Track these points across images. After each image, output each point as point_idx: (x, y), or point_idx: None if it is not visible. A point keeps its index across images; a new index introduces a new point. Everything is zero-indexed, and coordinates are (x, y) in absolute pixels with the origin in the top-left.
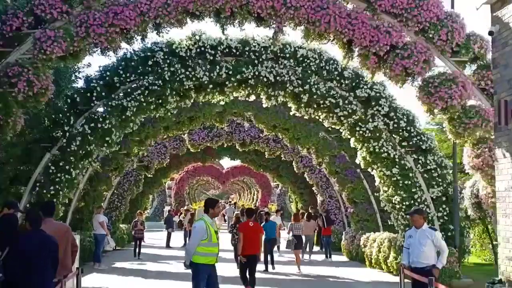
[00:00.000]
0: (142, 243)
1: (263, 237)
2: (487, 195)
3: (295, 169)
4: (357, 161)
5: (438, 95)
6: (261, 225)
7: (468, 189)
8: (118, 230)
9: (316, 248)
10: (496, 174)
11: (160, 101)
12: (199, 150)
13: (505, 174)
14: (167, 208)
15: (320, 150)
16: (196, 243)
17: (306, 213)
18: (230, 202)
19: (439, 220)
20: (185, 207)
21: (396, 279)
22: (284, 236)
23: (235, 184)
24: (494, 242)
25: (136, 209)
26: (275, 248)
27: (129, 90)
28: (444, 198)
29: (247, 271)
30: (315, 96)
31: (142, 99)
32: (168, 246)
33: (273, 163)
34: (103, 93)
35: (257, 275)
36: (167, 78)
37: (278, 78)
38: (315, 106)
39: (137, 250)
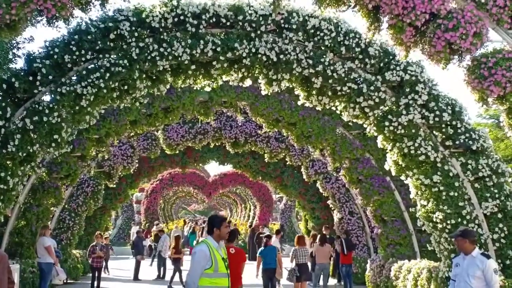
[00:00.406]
0: (102, 275)
1: (261, 266)
2: None
3: (304, 177)
4: (386, 166)
5: (493, 78)
6: (259, 251)
7: None
8: (70, 257)
9: (332, 281)
10: None
11: (126, 87)
12: (177, 152)
13: None
14: (135, 229)
15: (337, 151)
16: (198, 275)
17: (319, 235)
18: None
19: (495, 244)
20: (155, 227)
21: None
22: (287, 265)
23: (225, 197)
24: None
25: (94, 229)
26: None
27: (84, 72)
28: (500, 215)
29: None
30: (330, 81)
31: (102, 85)
32: (136, 278)
33: (275, 169)
34: (50, 77)
35: None
36: (135, 57)
37: (281, 56)
38: (330, 93)
39: (95, 284)
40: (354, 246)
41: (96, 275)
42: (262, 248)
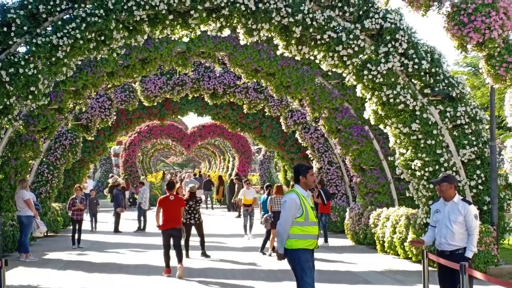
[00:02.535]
0: (83, 227)
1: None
2: None
3: (283, 127)
4: (365, 115)
5: (472, 25)
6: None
7: (509, 149)
8: (50, 210)
9: None
10: None
11: (103, 37)
12: (155, 103)
13: None
14: (118, 180)
15: (316, 101)
16: (289, 223)
17: None
18: (194, 173)
19: (472, 191)
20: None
21: (417, 266)
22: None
23: (203, 149)
24: None
25: (73, 182)
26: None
27: (60, 23)
28: (478, 162)
29: (175, 247)
30: (310, 29)
31: (78, 35)
32: (117, 230)
33: (254, 120)
34: (25, 27)
35: (240, 266)
36: (111, 7)
37: (260, 5)
38: (310, 42)
39: (76, 236)
40: (331, 195)
41: (77, 227)
42: (265, 196)
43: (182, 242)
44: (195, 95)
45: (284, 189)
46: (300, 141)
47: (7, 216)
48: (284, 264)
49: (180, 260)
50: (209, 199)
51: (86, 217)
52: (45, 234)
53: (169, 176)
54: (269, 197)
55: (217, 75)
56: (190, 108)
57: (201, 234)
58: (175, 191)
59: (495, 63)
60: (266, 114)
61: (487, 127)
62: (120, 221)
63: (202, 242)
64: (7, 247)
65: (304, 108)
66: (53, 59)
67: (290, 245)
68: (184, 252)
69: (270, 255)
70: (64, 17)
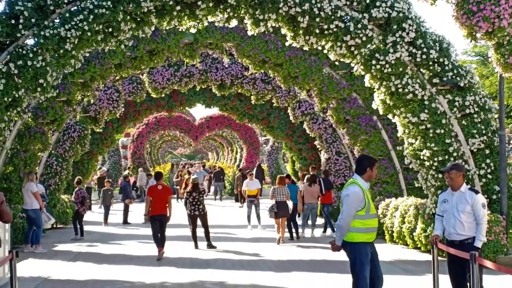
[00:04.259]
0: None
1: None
2: None
3: (291, 118)
4: (373, 105)
5: (482, 14)
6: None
7: None
8: (59, 202)
9: (320, 220)
10: None
11: (110, 29)
12: (163, 95)
13: None
14: (125, 173)
15: (324, 92)
16: (352, 217)
17: (308, 175)
18: (204, 164)
19: (481, 180)
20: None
21: (426, 256)
22: (268, 202)
23: (211, 140)
24: None
25: (82, 175)
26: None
27: (67, 15)
28: (487, 151)
29: (159, 232)
30: (317, 19)
31: (86, 27)
32: (126, 222)
33: (262, 111)
34: (33, 20)
35: (247, 257)
36: None
37: None
38: (317, 32)
39: (78, 226)
40: (331, 185)
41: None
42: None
43: (188, 233)
44: (203, 87)
45: (287, 181)
46: (308, 131)
47: (16, 208)
48: (293, 255)
49: (163, 245)
50: (218, 190)
51: (96, 209)
52: (54, 225)
53: (178, 168)
54: (273, 188)
55: (225, 66)
56: (197, 99)
57: (205, 225)
58: (163, 181)
59: (504, 52)
60: (274, 105)
61: (496, 116)
62: (129, 212)
63: (207, 233)
64: (17, 239)
65: (312, 98)
66: (61, 51)
67: (351, 238)
68: (192, 243)
69: (278, 244)
70: (72, 9)
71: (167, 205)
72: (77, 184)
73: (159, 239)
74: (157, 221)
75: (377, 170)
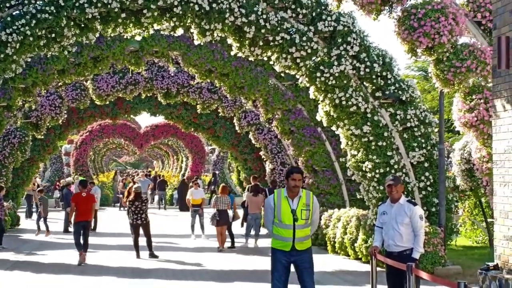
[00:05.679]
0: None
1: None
2: (481, 159)
3: (236, 128)
4: (317, 117)
5: (422, 30)
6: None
7: (457, 152)
8: None
9: (264, 230)
10: (494, 132)
11: (53, 34)
12: (107, 102)
13: (504, 132)
14: (68, 180)
15: (270, 102)
16: (269, 221)
17: (250, 186)
18: (147, 173)
19: (421, 192)
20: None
21: (367, 267)
22: (211, 211)
23: (156, 149)
24: (489, 219)
25: (22, 181)
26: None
27: (9, 19)
28: (427, 164)
29: (83, 236)
30: (263, 31)
31: (28, 32)
32: (66, 230)
33: (208, 120)
34: None
35: (190, 267)
36: (62, 3)
37: (214, 5)
38: (262, 43)
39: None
40: None
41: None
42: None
43: (130, 242)
44: (148, 95)
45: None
46: (253, 142)
47: None
48: (235, 265)
49: (85, 249)
50: (162, 199)
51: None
52: None
53: (120, 177)
54: (215, 196)
55: (171, 74)
56: (143, 107)
57: (147, 234)
58: (87, 188)
59: (443, 68)
60: (220, 114)
61: (436, 130)
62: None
63: (149, 242)
64: None
65: (258, 109)
66: (2, 55)
67: (272, 242)
68: (134, 252)
69: (220, 251)
70: (14, 13)
71: (91, 211)
72: None
73: (81, 244)
74: (81, 227)
75: (322, 181)
